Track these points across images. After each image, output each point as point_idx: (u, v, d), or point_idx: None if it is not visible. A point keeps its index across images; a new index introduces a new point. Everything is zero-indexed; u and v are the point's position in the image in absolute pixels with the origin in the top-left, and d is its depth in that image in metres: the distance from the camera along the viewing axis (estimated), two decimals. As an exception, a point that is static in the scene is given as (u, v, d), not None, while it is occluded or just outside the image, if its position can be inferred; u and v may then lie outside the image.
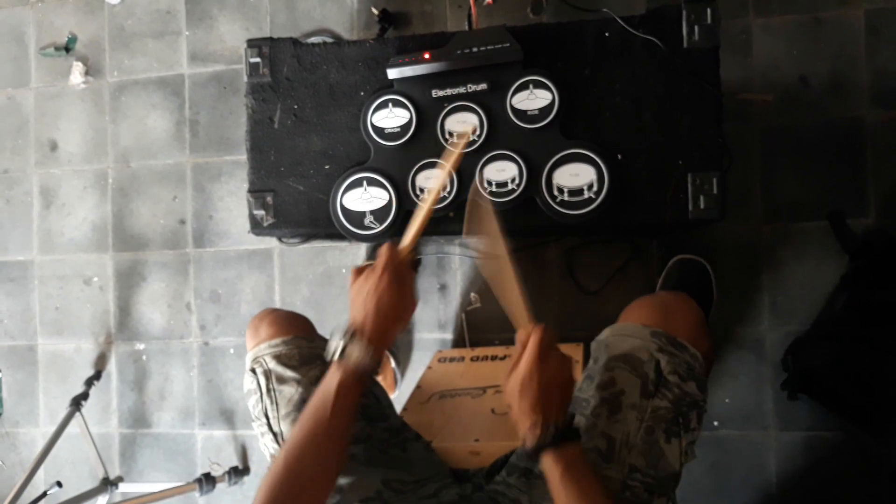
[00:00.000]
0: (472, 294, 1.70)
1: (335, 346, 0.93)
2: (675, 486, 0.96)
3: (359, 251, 1.75)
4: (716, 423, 1.57)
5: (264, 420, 1.07)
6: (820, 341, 1.48)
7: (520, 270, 0.93)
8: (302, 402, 1.04)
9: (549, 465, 0.85)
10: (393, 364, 1.67)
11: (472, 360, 1.56)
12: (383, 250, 0.95)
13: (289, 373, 1.07)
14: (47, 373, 1.95)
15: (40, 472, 1.73)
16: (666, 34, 1.21)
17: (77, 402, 1.78)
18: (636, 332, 1.02)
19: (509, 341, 1.64)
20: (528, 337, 0.89)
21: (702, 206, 1.19)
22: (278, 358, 1.09)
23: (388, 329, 0.94)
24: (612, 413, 0.96)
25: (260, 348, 1.12)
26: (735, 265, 1.57)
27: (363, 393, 0.95)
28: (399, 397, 1.67)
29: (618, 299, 1.61)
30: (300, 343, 1.11)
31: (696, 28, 1.20)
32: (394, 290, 0.93)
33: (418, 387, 1.47)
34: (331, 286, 1.77)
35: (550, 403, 0.86)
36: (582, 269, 1.64)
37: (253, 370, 1.11)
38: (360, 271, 0.96)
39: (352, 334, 0.92)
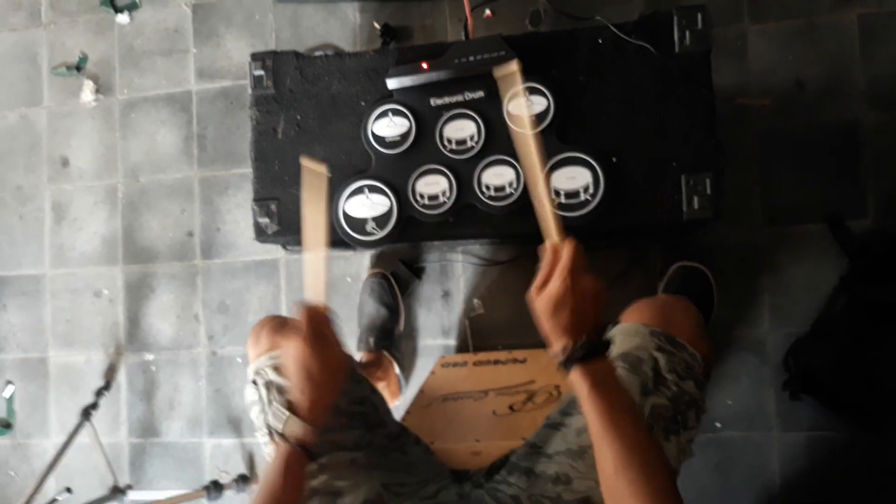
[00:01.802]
0: (475, 300, 1.72)
1: (276, 423, 0.95)
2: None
3: (363, 260, 1.77)
4: (718, 425, 1.57)
5: (266, 430, 1.08)
6: (820, 342, 1.49)
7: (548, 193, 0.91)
8: None
9: (578, 381, 0.84)
10: (397, 370, 1.69)
11: (475, 364, 1.57)
12: (298, 311, 0.93)
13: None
14: (58, 384, 1.98)
15: (51, 482, 1.75)
16: (658, 39, 1.24)
17: (87, 413, 1.80)
18: (635, 331, 1.03)
19: (513, 346, 1.66)
20: (556, 251, 0.87)
21: (696, 206, 1.20)
22: (278, 369, 1.10)
23: (320, 398, 0.94)
24: None
25: (261, 360, 1.13)
26: (735, 268, 1.58)
27: (306, 466, 0.95)
28: (403, 403, 1.68)
29: (619, 305, 1.59)
30: None
31: (688, 33, 1.23)
32: (314, 356, 0.92)
33: (421, 391, 1.49)
34: (335, 295, 1.79)
35: (583, 321, 0.85)
36: (583, 274, 1.65)
37: (254, 382, 1.12)
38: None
39: (288, 409, 0.94)
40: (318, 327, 0.94)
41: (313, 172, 0.99)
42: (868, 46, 1.56)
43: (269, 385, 1.09)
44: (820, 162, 1.57)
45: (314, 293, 0.96)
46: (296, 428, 0.93)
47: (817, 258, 1.55)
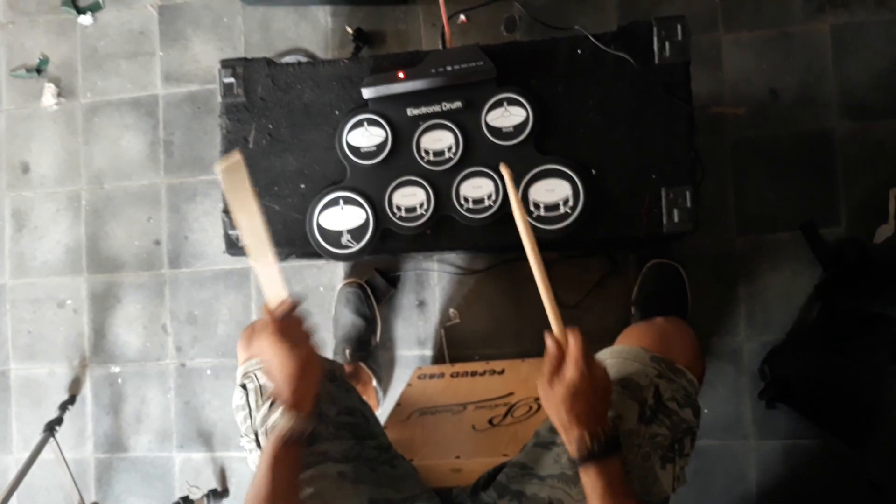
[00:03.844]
0: (451, 310, 1.70)
1: (261, 418, 0.97)
2: None
3: (337, 269, 1.74)
4: (695, 434, 1.57)
5: (253, 436, 1.07)
6: (795, 350, 1.50)
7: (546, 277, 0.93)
8: None
9: (592, 478, 0.86)
10: (374, 383, 1.66)
11: (451, 376, 1.55)
12: (264, 313, 0.96)
13: None
14: (20, 398, 1.91)
15: (13, 501, 1.70)
16: (637, 50, 1.23)
17: (51, 428, 1.74)
18: (636, 355, 1.02)
19: (489, 357, 1.65)
20: (562, 340, 0.89)
21: (676, 219, 1.20)
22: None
23: (299, 388, 0.94)
24: None
25: (250, 363, 1.12)
26: (711, 277, 1.59)
27: (301, 454, 0.96)
28: (381, 415, 1.65)
29: (596, 313, 1.62)
30: None
31: (667, 44, 1.22)
32: (283, 351, 0.93)
33: (398, 404, 1.46)
34: (308, 305, 1.76)
35: (597, 414, 0.87)
36: (560, 283, 1.64)
37: (243, 385, 1.10)
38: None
39: (271, 403, 0.96)
40: (280, 324, 0.94)
41: (230, 171, 0.93)
42: (840, 56, 1.57)
43: (258, 390, 1.08)
44: (793, 170, 1.58)
45: (273, 296, 0.95)
46: (281, 420, 0.93)
47: (792, 266, 1.57)
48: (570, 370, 0.86)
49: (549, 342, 0.89)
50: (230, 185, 0.92)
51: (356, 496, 1.02)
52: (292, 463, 0.94)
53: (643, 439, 0.94)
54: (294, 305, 0.96)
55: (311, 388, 0.97)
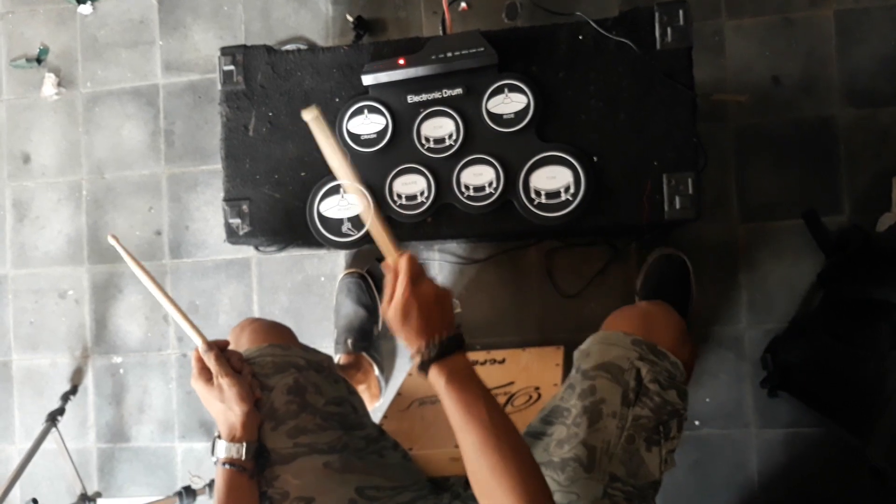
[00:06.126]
0: (453, 299, 1.69)
1: (211, 449, 1.02)
2: (655, 494, 0.97)
3: (338, 259, 1.74)
4: (697, 423, 1.57)
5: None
6: (797, 338, 1.49)
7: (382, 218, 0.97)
8: (271, 409, 1.04)
9: (435, 377, 0.89)
10: (377, 372, 1.66)
11: (453, 365, 1.55)
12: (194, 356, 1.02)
13: (261, 381, 1.06)
14: (22, 388, 1.91)
15: (16, 490, 1.70)
16: (639, 36, 1.22)
17: (53, 418, 1.75)
18: (617, 340, 1.02)
19: (490, 346, 1.64)
20: (397, 266, 0.92)
21: (677, 206, 1.19)
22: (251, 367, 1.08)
23: (234, 422, 1.00)
24: (592, 422, 0.96)
25: None
26: (713, 265, 1.58)
27: (251, 480, 1.01)
28: (383, 405, 1.66)
29: (597, 302, 1.62)
30: (274, 351, 1.10)
31: (669, 29, 1.21)
32: (211, 392, 0.99)
33: (399, 394, 1.46)
34: (309, 294, 1.76)
35: (432, 323, 0.90)
36: (561, 272, 1.64)
37: None
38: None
39: (217, 436, 1.01)
40: (200, 366, 1.00)
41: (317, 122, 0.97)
42: (844, 43, 1.56)
43: None
44: (796, 158, 1.57)
45: (195, 337, 1.01)
46: (224, 452, 0.99)
47: (794, 254, 1.56)
48: (397, 293, 0.90)
49: (385, 270, 0.94)
50: (318, 131, 0.96)
51: (343, 486, 1.02)
52: (244, 489, 0.99)
53: (627, 422, 0.94)
54: (210, 346, 1.01)
55: (240, 419, 1.00)
